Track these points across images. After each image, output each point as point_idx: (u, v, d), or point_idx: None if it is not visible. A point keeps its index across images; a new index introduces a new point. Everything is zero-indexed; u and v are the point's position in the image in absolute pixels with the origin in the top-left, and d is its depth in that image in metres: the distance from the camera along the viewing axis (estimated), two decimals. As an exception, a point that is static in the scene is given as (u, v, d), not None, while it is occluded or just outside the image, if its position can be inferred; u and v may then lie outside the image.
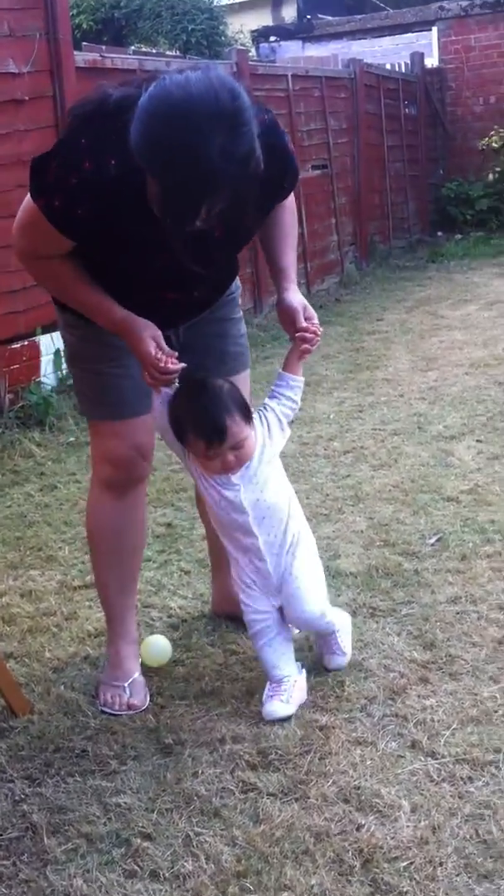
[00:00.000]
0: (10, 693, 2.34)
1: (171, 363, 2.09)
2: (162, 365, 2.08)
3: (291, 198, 2.35)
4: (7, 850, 1.92)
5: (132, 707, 2.36)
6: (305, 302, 2.29)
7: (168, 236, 1.91)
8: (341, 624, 2.46)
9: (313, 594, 2.35)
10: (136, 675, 2.44)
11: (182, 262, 1.95)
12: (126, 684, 2.40)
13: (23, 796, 2.07)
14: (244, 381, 2.50)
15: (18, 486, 4.03)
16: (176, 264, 1.97)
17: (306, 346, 2.30)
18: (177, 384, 2.19)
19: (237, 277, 2.48)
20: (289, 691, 2.29)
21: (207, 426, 2.16)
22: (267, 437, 2.29)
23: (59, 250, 2.06)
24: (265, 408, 2.33)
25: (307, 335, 2.28)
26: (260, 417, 2.30)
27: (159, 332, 2.11)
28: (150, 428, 2.35)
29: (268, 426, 2.30)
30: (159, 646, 2.54)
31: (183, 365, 2.13)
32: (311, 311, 2.29)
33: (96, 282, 2.11)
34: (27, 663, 2.60)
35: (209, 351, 2.40)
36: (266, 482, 2.27)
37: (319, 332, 2.29)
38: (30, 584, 3.10)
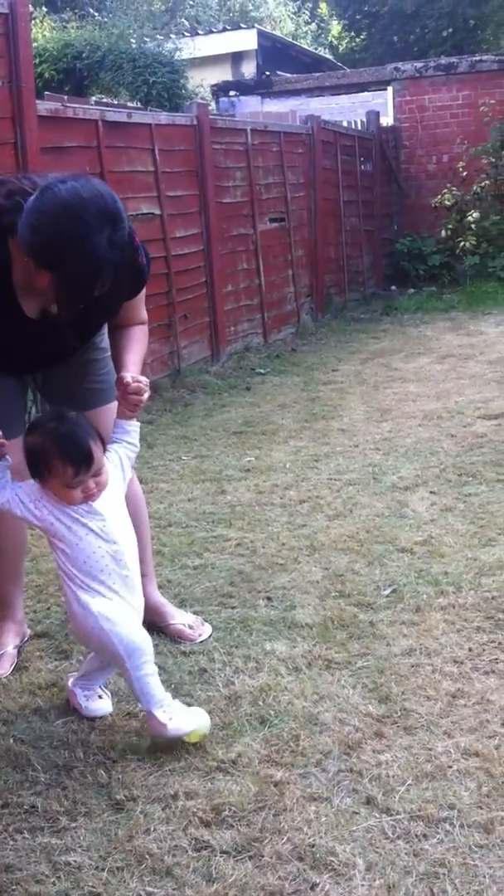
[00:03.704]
0: (-42, 746, 2.28)
1: None
2: None
3: (145, 328, 2.71)
4: (-49, 911, 1.86)
5: None
6: (134, 373, 2.52)
7: (24, 323, 2.38)
8: None
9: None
10: (9, 648, 2.85)
11: (27, 338, 2.42)
12: None
13: (-31, 855, 2.01)
14: (102, 415, 2.67)
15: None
16: (21, 338, 2.44)
17: (132, 397, 2.47)
18: (8, 461, 2.36)
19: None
20: (101, 689, 2.55)
21: (75, 451, 2.27)
22: (121, 469, 2.46)
23: None
24: (110, 449, 2.45)
25: (130, 388, 2.45)
26: (110, 453, 2.44)
27: None
28: (20, 449, 2.46)
29: (120, 462, 2.46)
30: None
31: (4, 442, 2.33)
32: (138, 376, 2.49)
33: None
34: (-25, 715, 2.55)
35: (64, 389, 2.72)
36: (123, 515, 2.43)
37: (143, 387, 2.46)
38: (-20, 633, 3.04)
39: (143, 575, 2.93)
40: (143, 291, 2.62)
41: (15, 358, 2.53)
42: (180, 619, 2.95)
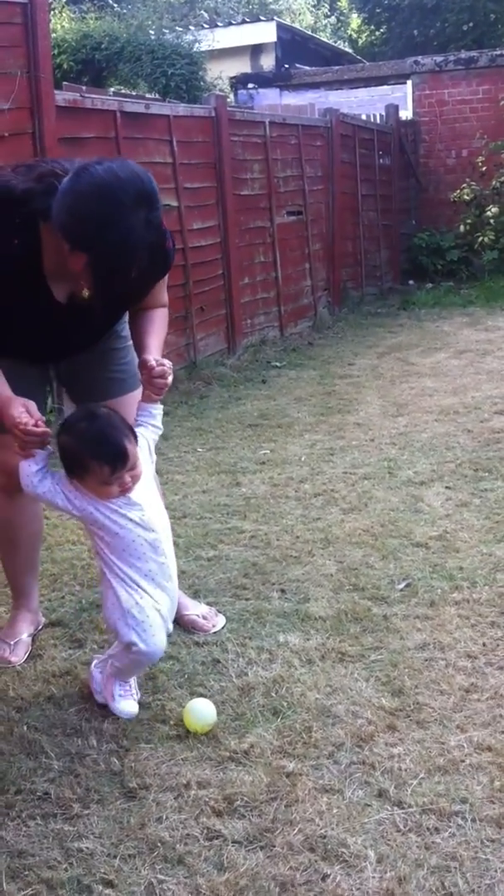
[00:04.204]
0: (-28, 733, 2.29)
1: (37, 426, 2.25)
2: (26, 426, 2.23)
3: (166, 311, 2.66)
4: (-36, 896, 1.87)
5: (8, 661, 2.75)
6: (156, 355, 2.50)
7: (53, 308, 2.36)
8: None
9: None
10: (23, 636, 2.85)
11: (56, 325, 2.40)
12: (12, 642, 2.82)
13: (-18, 840, 2.02)
14: (123, 404, 2.62)
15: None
16: (49, 325, 2.41)
17: (157, 380, 2.45)
18: (49, 449, 2.32)
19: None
20: (135, 689, 2.51)
21: (109, 451, 2.25)
22: (149, 457, 2.45)
23: None
24: (136, 433, 2.43)
25: (155, 371, 2.43)
26: (138, 437, 2.41)
27: (32, 403, 2.31)
28: None
29: (147, 445, 2.45)
30: (201, 712, 2.41)
31: (48, 431, 2.28)
32: (161, 359, 2.47)
33: None
34: (-10, 702, 2.56)
35: (86, 379, 2.69)
36: (156, 498, 2.45)
37: (167, 370, 2.45)
38: (-6, 621, 3.06)
39: None
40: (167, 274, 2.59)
41: (40, 346, 2.51)
42: (194, 609, 2.96)
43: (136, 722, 2.43)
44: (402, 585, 3.19)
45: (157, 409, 2.52)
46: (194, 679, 2.63)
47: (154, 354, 2.50)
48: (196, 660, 2.74)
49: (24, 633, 2.87)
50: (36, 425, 2.25)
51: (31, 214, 2.24)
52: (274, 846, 1.97)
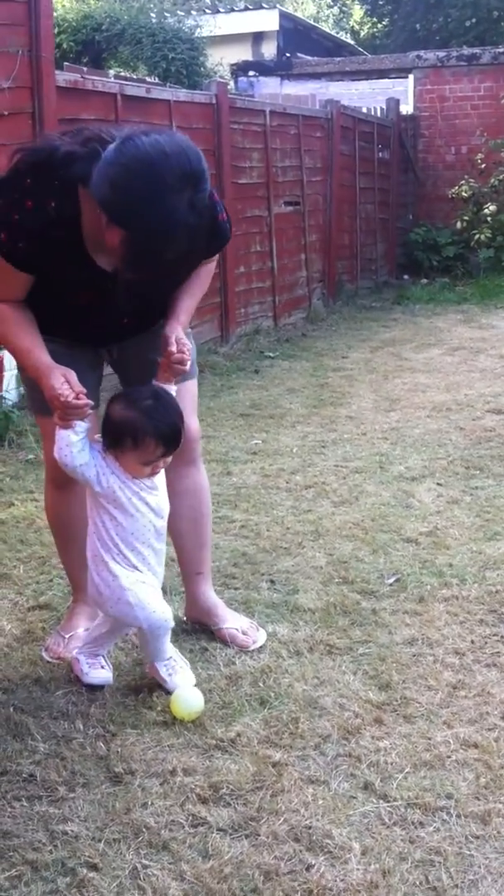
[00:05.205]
0: (-41, 713, 2.28)
1: (79, 398, 2.21)
2: (67, 399, 2.19)
3: (212, 263, 2.56)
4: None
5: (60, 657, 2.64)
6: (180, 334, 2.41)
7: (97, 278, 2.24)
8: None
9: None
10: (79, 630, 2.72)
11: (105, 299, 2.26)
12: (67, 636, 2.71)
13: (-34, 821, 2.01)
14: (183, 392, 2.57)
15: (-26, 501, 3.96)
16: (98, 298, 2.30)
17: (176, 366, 2.39)
18: (87, 423, 2.29)
19: None
20: (106, 661, 2.55)
21: (171, 434, 2.30)
22: None
23: (11, 291, 2.28)
24: None
25: (174, 357, 2.37)
26: None
27: (72, 372, 2.24)
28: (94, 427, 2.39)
29: None
30: (187, 700, 2.40)
31: (90, 402, 2.25)
32: (183, 340, 2.40)
33: (31, 308, 2.32)
34: (-24, 683, 2.55)
35: (143, 364, 2.54)
36: (165, 484, 2.46)
37: (186, 356, 2.38)
38: (-18, 602, 3.05)
39: (198, 573, 2.80)
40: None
41: (91, 324, 2.41)
42: (233, 622, 2.79)
43: (122, 707, 2.43)
44: (391, 580, 3.20)
45: (172, 390, 2.46)
46: (182, 666, 2.63)
47: (181, 322, 2.42)
48: (184, 648, 2.73)
49: (81, 628, 2.73)
50: (77, 397, 2.20)
51: (70, 178, 2.15)
52: (259, 835, 1.97)
